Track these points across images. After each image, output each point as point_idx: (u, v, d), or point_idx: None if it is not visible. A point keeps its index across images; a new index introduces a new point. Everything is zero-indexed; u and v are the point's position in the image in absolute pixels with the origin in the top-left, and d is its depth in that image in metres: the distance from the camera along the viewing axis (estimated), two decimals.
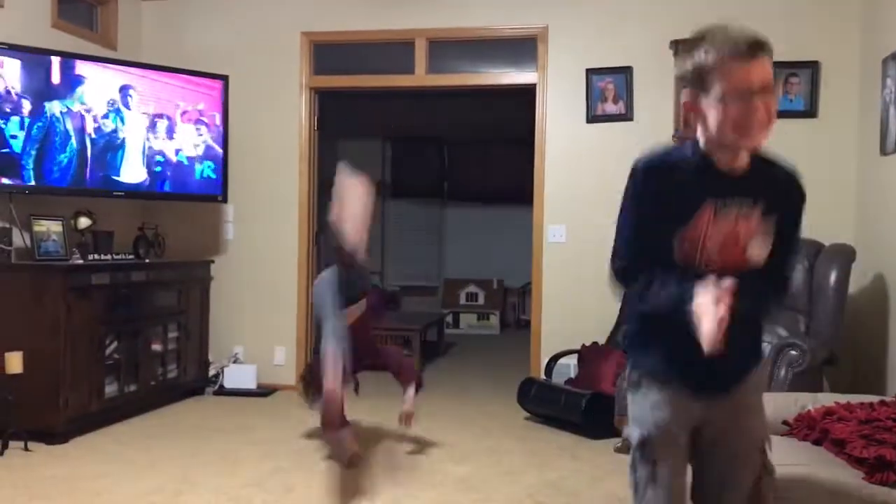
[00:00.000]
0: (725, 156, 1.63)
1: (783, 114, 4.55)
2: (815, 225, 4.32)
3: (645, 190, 1.66)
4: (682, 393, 1.71)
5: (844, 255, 3.81)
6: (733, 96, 1.54)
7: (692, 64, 1.59)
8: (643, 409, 1.75)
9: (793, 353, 3.34)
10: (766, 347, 3.57)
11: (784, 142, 5.02)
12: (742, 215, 1.62)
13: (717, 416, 1.73)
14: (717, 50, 1.55)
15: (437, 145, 9.52)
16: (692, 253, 1.63)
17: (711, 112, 1.58)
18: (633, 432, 1.77)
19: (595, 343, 4.60)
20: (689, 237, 1.62)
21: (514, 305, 9.12)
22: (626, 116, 4.82)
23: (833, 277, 3.73)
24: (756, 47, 1.54)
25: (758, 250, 1.63)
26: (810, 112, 4.55)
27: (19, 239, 4.19)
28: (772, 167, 1.69)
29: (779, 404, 2.63)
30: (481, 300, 8.85)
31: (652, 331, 1.76)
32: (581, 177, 4.90)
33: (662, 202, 1.64)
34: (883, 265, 3.95)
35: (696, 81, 1.60)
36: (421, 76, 5.21)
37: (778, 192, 1.67)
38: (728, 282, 1.51)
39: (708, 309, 1.50)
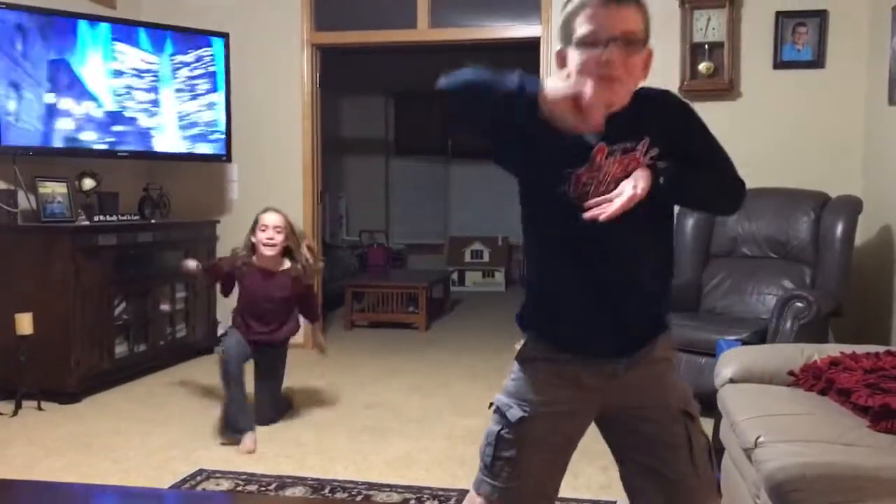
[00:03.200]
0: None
1: (792, 64, 4.51)
2: (822, 176, 4.35)
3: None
4: (578, 369, 1.59)
5: (851, 207, 3.79)
6: (588, 41, 1.44)
7: (564, 15, 1.51)
8: (533, 386, 1.62)
9: (798, 304, 3.34)
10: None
11: (792, 92, 4.95)
12: (629, 151, 1.50)
13: (622, 392, 1.60)
14: None
15: (441, 101, 9.41)
16: (584, 191, 1.51)
17: (571, 60, 1.48)
18: (512, 409, 1.61)
19: None
20: (583, 176, 1.51)
21: (519, 262, 9.12)
22: None
23: (840, 229, 3.72)
24: None
25: (643, 183, 1.49)
26: (818, 62, 4.48)
27: (24, 201, 4.20)
28: (645, 96, 1.58)
29: (785, 355, 2.64)
30: (486, 257, 8.86)
31: (549, 305, 1.66)
32: None
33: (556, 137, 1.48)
34: (890, 217, 3.94)
35: (564, 31, 1.51)
36: (424, 30, 5.14)
37: (658, 114, 1.57)
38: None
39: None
